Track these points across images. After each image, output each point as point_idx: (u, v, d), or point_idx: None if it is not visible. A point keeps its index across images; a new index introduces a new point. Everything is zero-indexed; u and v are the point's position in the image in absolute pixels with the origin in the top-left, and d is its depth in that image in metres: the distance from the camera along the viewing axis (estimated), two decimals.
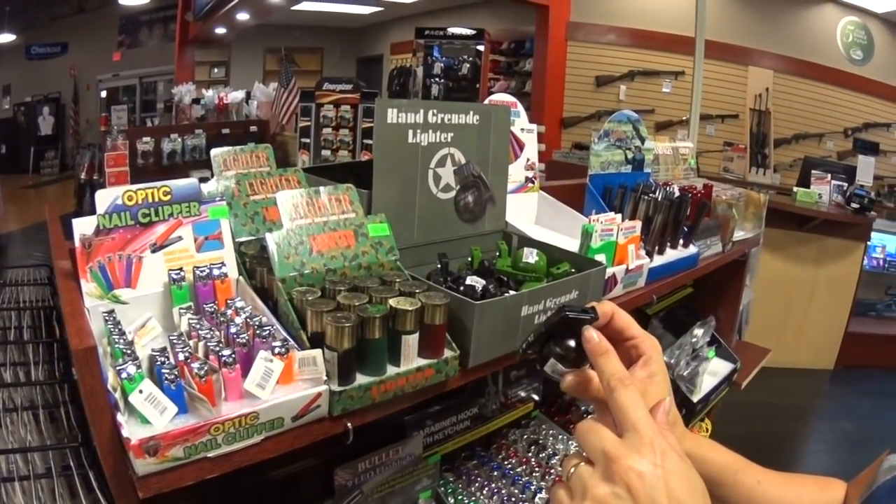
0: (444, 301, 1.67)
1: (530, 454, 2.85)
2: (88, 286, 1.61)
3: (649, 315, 3.70)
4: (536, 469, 2.75)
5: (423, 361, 1.69)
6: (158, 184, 1.71)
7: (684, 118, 10.83)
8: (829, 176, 8.98)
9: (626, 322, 1.33)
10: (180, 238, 1.73)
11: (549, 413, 3.17)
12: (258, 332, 1.49)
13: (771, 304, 8.01)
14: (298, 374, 1.46)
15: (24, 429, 1.85)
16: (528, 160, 3.04)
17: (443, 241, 2.23)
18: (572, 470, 1.06)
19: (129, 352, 1.40)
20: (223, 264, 1.76)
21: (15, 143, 19.54)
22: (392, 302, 1.61)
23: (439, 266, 2.08)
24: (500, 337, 1.89)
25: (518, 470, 2.73)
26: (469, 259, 2.25)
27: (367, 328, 1.54)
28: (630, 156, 3.25)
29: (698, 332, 3.75)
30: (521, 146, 3.01)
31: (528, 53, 14.87)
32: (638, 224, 2.62)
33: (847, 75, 12.04)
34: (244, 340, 1.47)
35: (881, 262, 10.53)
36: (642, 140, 3.32)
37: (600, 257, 2.38)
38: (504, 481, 2.66)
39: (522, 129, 3.03)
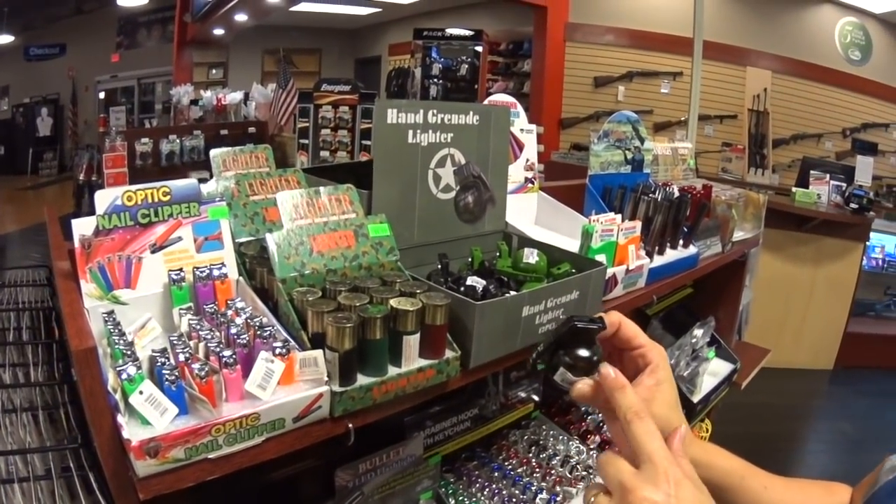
0: (445, 301, 1.67)
1: (531, 455, 2.86)
2: (88, 287, 1.61)
3: (649, 315, 3.70)
4: (537, 470, 2.76)
5: (424, 362, 1.68)
6: (158, 184, 1.71)
7: (683, 119, 10.83)
8: (828, 176, 8.99)
9: (633, 331, 1.37)
10: (180, 238, 1.73)
11: (549, 414, 3.17)
12: (259, 332, 1.49)
13: (770, 305, 8.02)
14: (299, 374, 1.45)
15: (24, 430, 1.85)
16: (527, 160, 3.03)
17: (443, 241, 2.23)
18: (592, 500, 1.11)
19: (129, 353, 1.40)
20: (223, 265, 1.75)
21: (13, 144, 19.56)
22: (393, 302, 1.61)
23: (440, 266, 2.08)
24: (501, 337, 1.89)
25: (518, 471, 2.74)
26: (469, 259, 2.25)
27: (368, 329, 1.54)
28: (629, 156, 3.25)
29: (698, 332, 3.75)
30: (521, 147, 3.01)
31: (527, 54, 14.86)
32: (638, 224, 2.62)
33: (845, 76, 12.05)
34: (245, 341, 1.47)
35: (880, 262, 10.54)
36: (642, 140, 3.32)
37: (601, 258, 2.37)
38: (505, 482, 2.66)
39: (522, 130, 3.03)
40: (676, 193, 3.06)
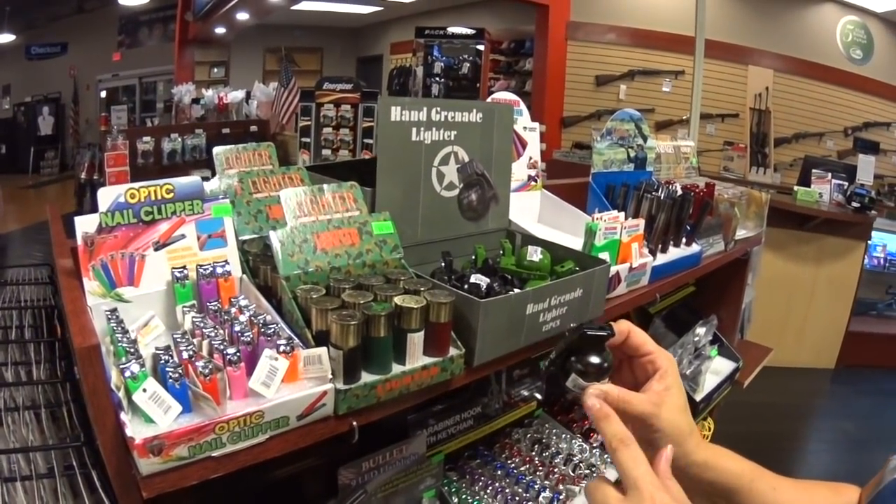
0: (450, 299, 1.67)
1: (533, 453, 2.86)
2: (91, 284, 1.60)
3: (652, 314, 3.70)
4: (540, 468, 2.76)
5: (428, 360, 1.68)
6: (161, 181, 1.70)
7: (684, 117, 10.83)
8: (830, 175, 8.99)
9: (642, 339, 1.42)
10: (183, 236, 1.72)
11: (551, 412, 3.17)
12: (263, 330, 1.48)
13: (771, 304, 8.02)
14: (303, 372, 1.45)
15: (26, 428, 1.85)
16: (530, 158, 3.03)
17: (446, 239, 2.22)
18: None
19: (132, 350, 1.39)
20: (227, 262, 1.75)
21: (15, 143, 19.55)
22: (397, 300, 1.61)
23: (443, 264, 2.08)
24: (505, 335, 1.89)
25: (521, 469, 2.74)
26: (473, 257, 2.25)
27: (372, 326, 1.54)
28: (632, 154, 3.25)
29: (700, 330, 3.75)
30: (524, 145, 3.01)
31: (528, 53, 14.87)
32: (641, 222, 2.62)
33: (847, 74, 12.05)
34: (249, 339, 1.47)
35: (882, 261, 10.54)
36: (644, 138, 3.32)
37: (604, 255, 2.37)
38: (508, 480, 2.66)
39: (525, 128, 3.03)
40: (679, 191, 3.06)
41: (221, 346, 1.42)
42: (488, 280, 1.98)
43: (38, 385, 2.02)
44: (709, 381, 3.79)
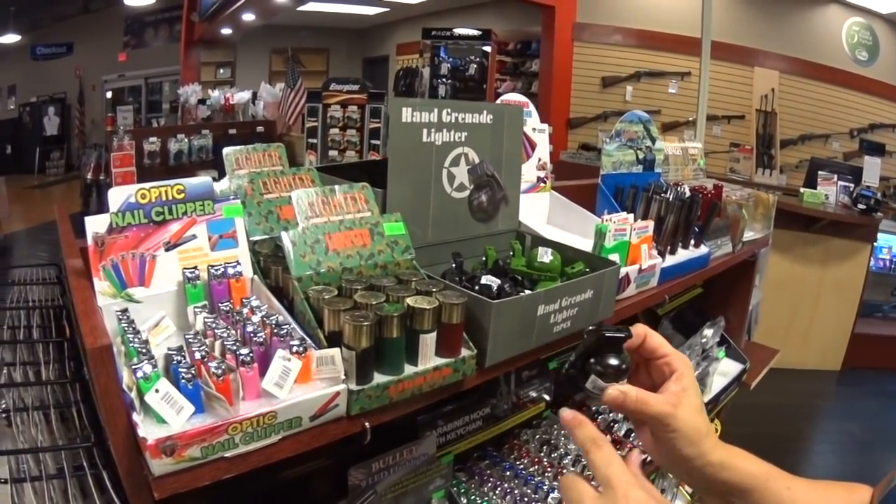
0: (462, 300, 1.67)
1: (542, 454, 2.85)
2: (101, 285, 1.60)
3: (660, 315, 3.69)
4: (549, 469, 2.75)
5: (440, 360, 1.68)
6: (172, 182, 1.70)
7: (690, 119, 10.82)
8: (836, 177, 8.98)
9: (658, 342, 1.44)
10: (194, 236, 1.72)
11: None
12: (275, 330, 1.48)
13: (778, 305, 8.00)
14: (316, 373, 1.45)
15: (35, 429, 1.85)
16: (539, 160, 3.03)
17: (456, 240, 2.23)
18: None
19: (144, 351, 1.39)
20: (238, 263, 1.75)
21: (20, 143, 19.62)
22: (409, 301, 1.61)
23: (454, 265, 2.08)
24: (517, 336, 1.89)
25: (530, 470, 2.74)
26: (483, 258, 2.25)
27: (384, 327, 1.54)
28: (641, 156, 3.25)
29: (708, 332, 3.75)
30: (533, 146, 3.01)
31: (535, 54, 14.86)
32: (650, 224, 2.62)
33: (852, 76, 12.03)
34: (261, 339, 1.47)
35: (887, 263, 10.52)
36: (653, 140, 3.32)
37: (614, 257, 2.37)
38: (516, 481, 2.66)
39: (534, 129, 3.03)
40: (688, 193, 3.06)
41: (234, 347, 1.42)
42: (499, 281, 1.98)
43: (47, 385, 2.02)
44: (716, 383, 3.79)
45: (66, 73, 19.21)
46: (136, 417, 1.28)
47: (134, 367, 1.32)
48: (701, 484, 1.45)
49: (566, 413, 1.31)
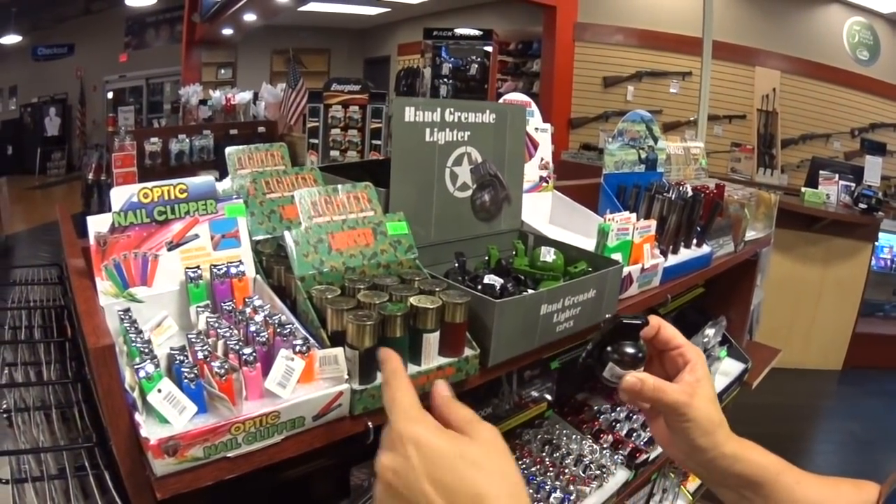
0: (465, 299, 1.67)
1: (544, 454, 2.86)
2: (103, 284, 1.60)
3: (662, 315, 3.69)
4: (550, 469, 2.76)
5: (443, 360, 1.68)
6: (175, 181, 1.70)
7: (692, 118, 10.83)
8: (837, 176, 8.98)
9: (672, 333, 1.47)
10: (197, 236, 1.72)
11: (562, 413, 3.17)
12: (278, 330, 1.48)
13: (779, 305, 8.00)
14: (319, 372, 1.44)
15: (37, 429, 1.84)
16: (542, 159, 3.03)
17: (459, 240, 2.23)
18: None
19: (146, 350, 1.39)
20: (240, 262, 1.74)
21: (21, 144, 19.63)
22: (413, 300, 1.61)
23: (457, 265, 2.08)
24: (520, 335, 1.89)
25: (532, 470, 2.74)
26: (486, 258, 2.24)
27: (388, 326, 1.53)
28: (643, 155, 3.24)
29: (710, 331, 3.75)
30: (536, 146, 3.00)
31: (536, 54, 14.88)
32: (653, 223, 2.62)
33: (853, 76, 12.03)
34: (264, 339, 1.46)
35: (889, 263, 10.52)
36: (655, 140, 3.31)
37: (616, 256, 2.37)
38: None
39: (536, 129, 3.02)
40: (690, 193, 3.05)
41: (237, 347, 1.41)
42: (502, 281, 1.98)
43: (49, 385, 2.01)
44: (718, 383, 3.78)
45: (68, 73, 19.21)
46: (139, 417, 1.27)
47: (136, 366, 1.32)
48: (714, 476, 1.46)
49: (385, 352, 1.20)
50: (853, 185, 8.83)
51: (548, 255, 2.18)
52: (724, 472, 1.43)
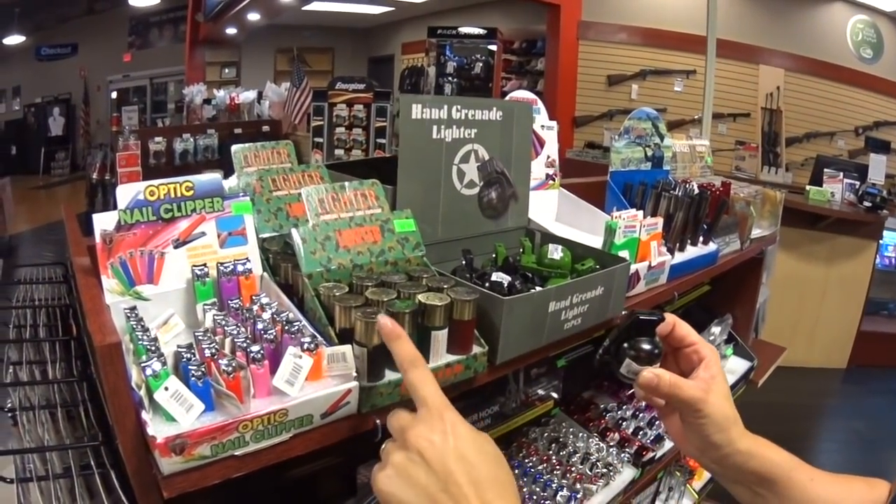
0: (473, 297, 1.66)
1: (551, 452, 2.85)
2: (109, 282, 1.59)
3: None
4: (557, 467, 2.75)
5: (451, 357, 1.67)
6: (181, 179, 1.69)
7: (696, 117, 10.84)
8: (842, 174, 8.99)
9: (686, 330, 1.51)
10: (203, 234, 1.71)
11: (568, 411, 3.16)
12: (286, 328, 1.48)
13: (784, 303, 8.02)
14: (327, 370, 1.44)
15: (42, 428, 1.84)
16: (548, 157, 3.02)
17: (466, 237, 2.22)
18: (382, 449, 1.19)
19: (153, 348, 1.38)
20: (247, 260, 1.74)
21: (25, 143, 19.68)
22: (421, 297, 1.60)
23: (464, 262, 2.07)
24: (528, 333, 1.88)
25: (539, 468, 2.74)
26: (493, 255, 2.24)
27: None
28: (649, 153, 3.23)
29: (715, 329, 3.75)
30: (542, 143, 2.99)
31: (540, 52, 14.90)
32: (660, 221, 2.61)
33: (857, 74, 12.04)
34: (272, 336, 1.46)
35: (893, 261, 10.53)
36: (661, 137, 3.30)
37: (623, 254, 2.36)
38: (525, 479, 2.66)
39: (543, 126, 3.02)
40: (696, 190, 3.05)
41: (244, 344, 1.41)
42: (509, 278, 1.97)
43: (54, 384, 2.01)
44: None
45: (71, 73, 19.26)
46: (145, 416, 1.26)
47: (143, 364, 1.31)
48: (728, 472, 1.48)
49: (383, 319, 1.29)
50: (858, 183, 8.85)
51: (555, 252, 2.17)
52: (738, 468, 1.44)
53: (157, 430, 1.25)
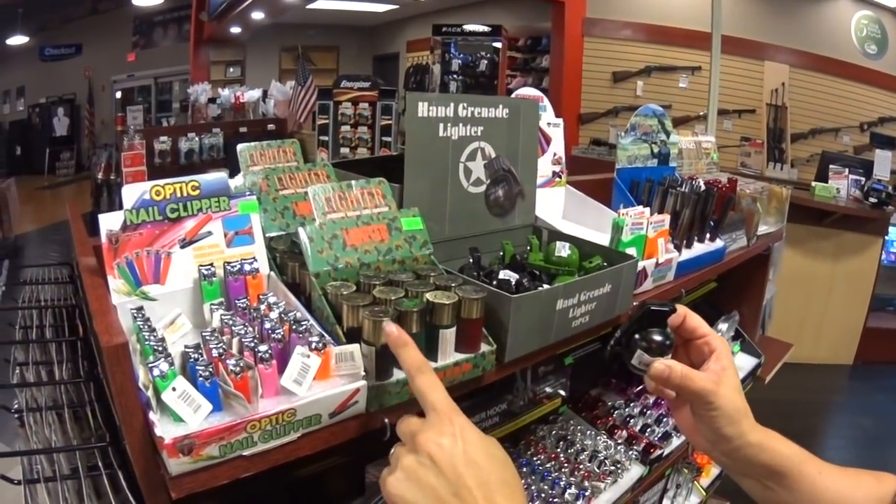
0: (481, 295, 1.65)
1: (559, 450, 2.85)
2: (116, 283, 1.59)
3: None
4: (565, 465, 2.76)
5: (460, 356, 1.67)
6: (187, 178, 1.69)
7: (701, 113, 10.82)
8: (847, 170, 8.98)
9: (697, 322, 1.50)
10: (210, 233, 1.71)
11: (576, 409, 3.16)
12: (294, 327, 1.47)
13: (790, 300, 8.00)
14: (335, 369, 1.43)
15: (49, 429, 1.83)
16: (554, 154, 3.02)
17: (473, 235, 2.21)
18: (392, 453, 1.20)
19: (160, 349, 1.38)
20: (254, 259, 1.73)
21: (30, 144, 19.69)
22: (429, 296, 1.60)
23: (471, 260, 2.07)
24: (536, 331, 1.88)
25: (547, 466, 2.74)
26: (500, 253, 2.24)
27: (404, 323, 1.51)
28: (656, 150, 3.23)
29: (722, 326, 3.75)
30: (548, 141, 2.99)
31: (545, 50, 14.87)
32: (667, 218, 2.60)
33: (862, 70, 12.00)
34: (280, 336, 1.45)
35: None
36: (667, 134, 3.30)
37: (631, 251, 2.35)
38: (533, 477, 2.66)
39: (549, 124, 3.01)
40: (703, 187, 3.04)
41: (252, 344, 1.41)
42: (517, 276, 1.97)
43: (61, 385, 2.00)
44: None
45: (76, 73, 19.26)
46: (153, 416, 1.26)
47: (150, 365, 1.31)
48: (738, 465, 1.49)
49: (390, 327, 1.30)
50: (863, 179, 8.84)
51: (563, 249, 2.17)
52: (748, 461, 1.45)
53: (165, 430, 1.24)
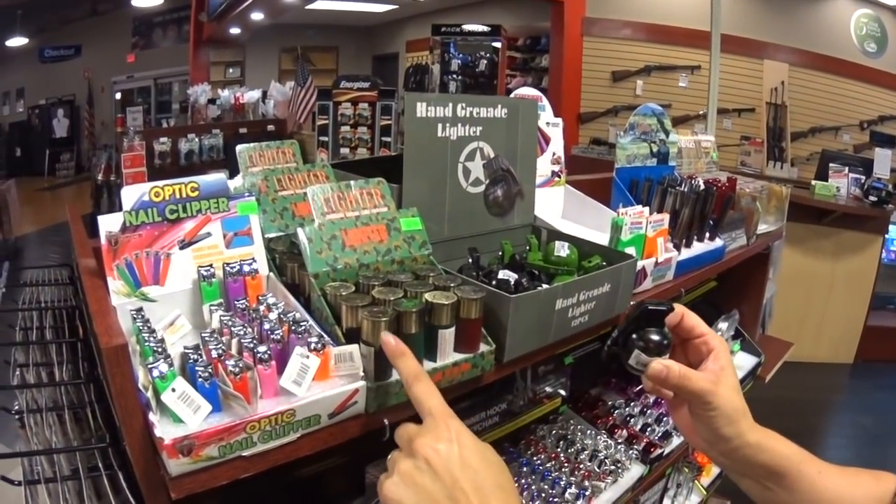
0: (480, 295, 1.65)
1: (559, 450, 2.85)
2: (115, 284, 1.59)
3: None
4: (565, 464, 2.76)
5: (459, 356, 1.67)
6: (186, 179, 1.69)
7: (701, 112, 10.83)
8: (847, 169, 8.98)
9: (695, 321, 1.50)
10: (209, 234, 1.71)
11: (576, 408, 3.16)
12: (293, 328, 1.47)
13: (790, 298, 7.99)
14: (334, 370, 1.43)
15: (49, 430, 1.83)
16: (553, 154, 3.02)
17: (472, 235, 2.21)
18: (389, 458, 1.21)
19: (160, 350, 1.38)
20: (253, 260, 1.73)
21: (29, 145, 19.68)
22: (428, 296, 1.60)
23: (470, 260, 2.07)
24: (535, 331, 1.88)
25: (547, 465, 2.74)
26: (499, 253, 2.24)
27: (403, 323, 1.52)
28: (655, 149, 3.23)
29: (722, 325, 3.75)
30: (547, 140, 2.99)
31: (544, 49, 14.87)
32: (666, 217, 2.61)
33: (861, 68, 11.99)
34: (279, 337, 1.45)
35: None
36: (667, 133, 3.30)
37: (630, 250, 2.35)
38: (533, 477, 2.66)
39: (548, 123, 3.01)
40: (702, 186, 3.04)
41: (251, 345, 1.41)
42: (516, 276, 1.98)
43: (61, 386, 2.01)
44: None
45: (75, 74, 19.24)
46: (153, 417, 1.26)
47: (150, 366, 1.31)
48: (737, 465, 1.48)
49: (387, 337, 1.33)
50: (863, 177, 8.84)
51: (562, 249, 2.17)
52: (747, 461, 1.45)
53: (165, 431, 1.25)
